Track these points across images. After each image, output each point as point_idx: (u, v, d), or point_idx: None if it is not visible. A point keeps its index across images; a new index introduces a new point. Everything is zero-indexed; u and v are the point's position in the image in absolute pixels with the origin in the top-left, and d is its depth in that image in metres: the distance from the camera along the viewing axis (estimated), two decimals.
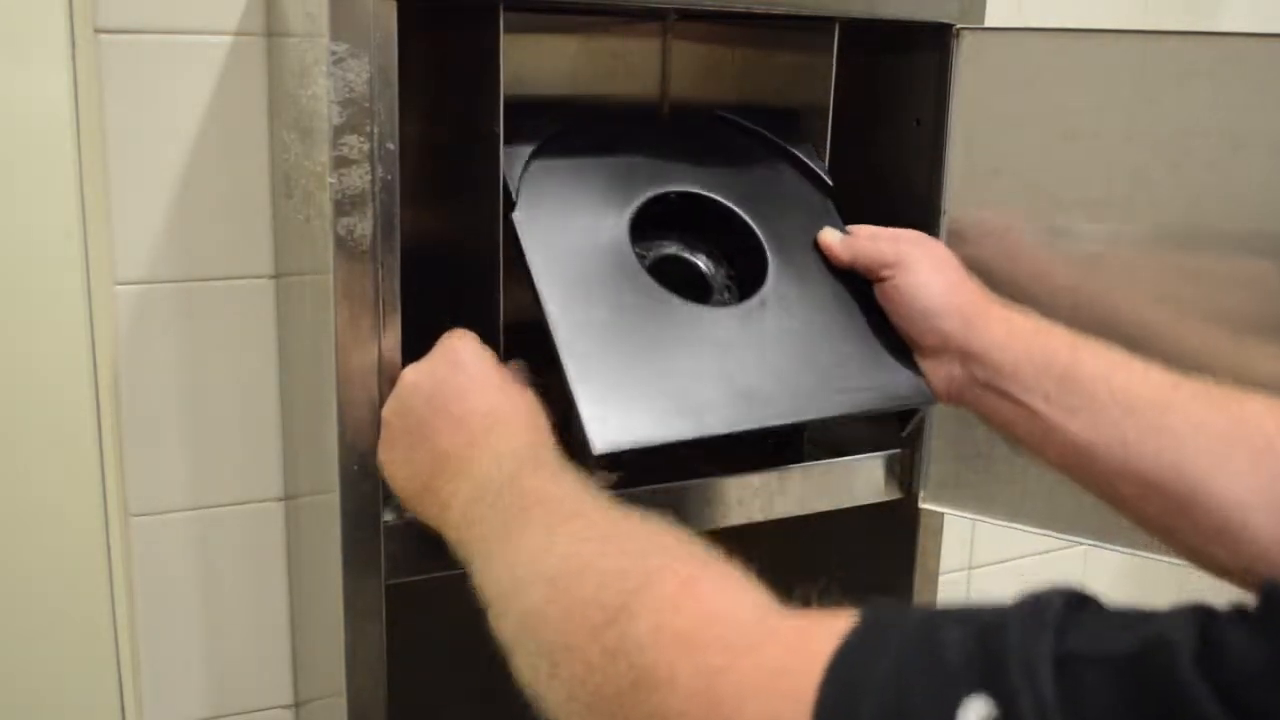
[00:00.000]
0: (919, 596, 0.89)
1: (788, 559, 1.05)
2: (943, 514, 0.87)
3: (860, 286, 0.76)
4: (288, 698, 0.96)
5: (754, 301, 0.74)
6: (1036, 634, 0.32)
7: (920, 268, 0.73)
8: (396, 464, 0.65)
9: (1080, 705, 0.29)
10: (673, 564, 0.46)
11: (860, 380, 0.72)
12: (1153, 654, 0.29)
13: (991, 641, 0.32)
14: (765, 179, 0.81)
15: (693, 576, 0.45)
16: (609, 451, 0.64)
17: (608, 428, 0.64)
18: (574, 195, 0.74)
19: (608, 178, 0.76)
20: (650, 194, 0.76)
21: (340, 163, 0.65)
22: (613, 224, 0.73)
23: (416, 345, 0.71)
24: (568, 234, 0.72)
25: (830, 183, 0.82)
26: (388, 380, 0.68)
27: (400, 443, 0.65)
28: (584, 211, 0.73)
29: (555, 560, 0.51)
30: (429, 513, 0.64)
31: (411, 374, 0.66)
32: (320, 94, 0.65)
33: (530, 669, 0.50)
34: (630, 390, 0.66)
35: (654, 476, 0.78)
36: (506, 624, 0.53)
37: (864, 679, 0.34)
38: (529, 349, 0.74)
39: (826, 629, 0.37)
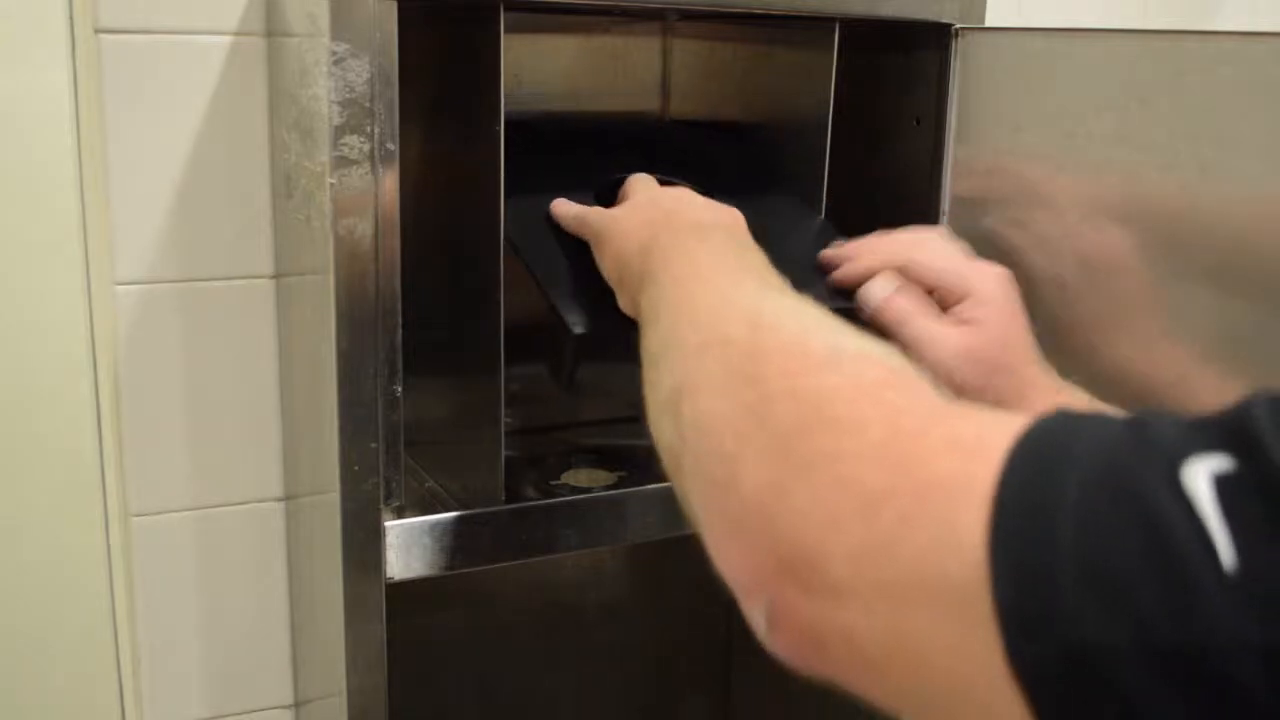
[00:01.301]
0: None
1: None
2: None
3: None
4: (288, 698, 0.96)
5: None
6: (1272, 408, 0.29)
7: (990, 310, 0.67)
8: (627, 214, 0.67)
9: None
10: (883, 359, 0.43)
11: None
12: None
13: (1209, 420, 0.30)
14: (757, 197, 0.81)
15: (896, 370, 0.42)
16: (585, 332, 0.69)
17: (581, 316, 0.70)
18: (554, 184, 0.76)
19: (589, 171, 0.77)
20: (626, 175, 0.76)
21: (340, 163, 0.65)
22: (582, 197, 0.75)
23: (416, 345, 0.71)
24: (540, 206, 0.75)
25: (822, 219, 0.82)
26: (388, 380, 0.68)
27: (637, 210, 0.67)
28: (561, 191, 0.75)
29: (766, 309, 0.48)
30: (636, 239, 0.63)
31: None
32: (320, 94, 0.65)
33: (695, 394, 0.45)
34: (597, 286, 0.69)
35: (654, 476, 0.79)
36: (680, 354, 0.49)
37: (1065, 443, 0.32)
38: (529, 349, 0.74)
39: (1023, 420, 0.34)
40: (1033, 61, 0.78)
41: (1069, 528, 0.30)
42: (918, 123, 0.84)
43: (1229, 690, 0.26)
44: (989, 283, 0.69)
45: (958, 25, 0.80)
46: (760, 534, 0.38)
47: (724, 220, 0.66)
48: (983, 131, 0.80)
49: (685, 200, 0.68)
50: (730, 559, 0.40)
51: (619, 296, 0.66)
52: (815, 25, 0.81)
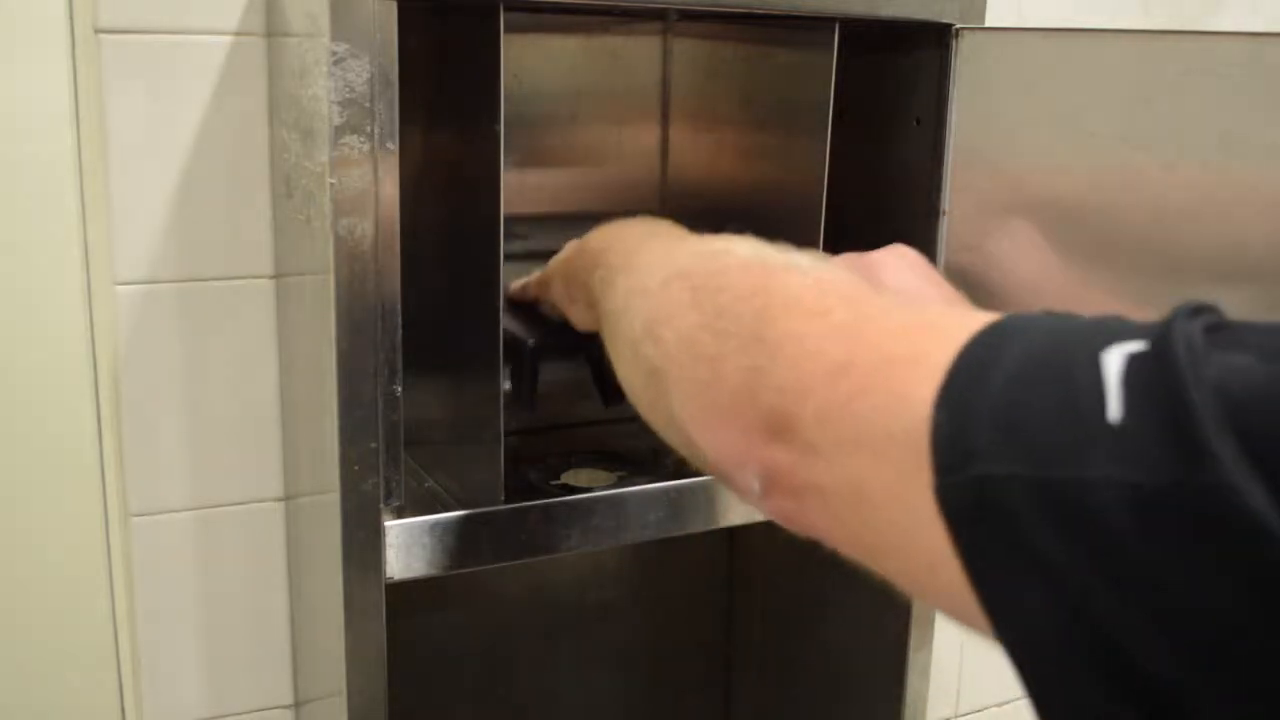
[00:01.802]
0: None
1: (788, 557, 1.05)
2: None
3: None
4: (288, 698, 0.96)
5: None
6: (1190, 318, 0.33)
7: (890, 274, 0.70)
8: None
9: (1231, 357, 0.30)
10: (840, 270, 0.49)
11: None
12: None
13: (1150, 322, 0.34)
14: None
15: (854, 280, 0.48)
16: (538, 344, 0.76)
17: (535, 332, 0.77)
18: None
19: None
20: None
21: (340, 163, 0.65)
22: None
23: (416, 345, 0.71)
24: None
25: None
26: (388, 380, 0.68)
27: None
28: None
29: (716, 244, 0.54)
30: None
31: None
32: (320, 94, 0.65)
33: (669, 319, 0.50)
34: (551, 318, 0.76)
35: (654, 476, 0.79)
36: (643, 297, 0.54)
37: (1024, 326, 0.37)
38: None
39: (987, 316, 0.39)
40: (1033, 61, 0.78)
41: (999, 384, 0.35)
42: (918, 123, 0.83)
43: (1098, 519, 0.30)
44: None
45: (958, 25, 0.80)
46: (748, 412, 0.43)
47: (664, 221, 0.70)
48: (983, 131, 0.80)
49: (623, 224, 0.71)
50: (723, 442, 0.45)
51: (571, 311, 0.70)
52: (815, 25, 0.81)
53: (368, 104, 0.65)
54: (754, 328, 0.45)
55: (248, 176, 0.85)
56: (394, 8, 0.64)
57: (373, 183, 0.66)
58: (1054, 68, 0.77)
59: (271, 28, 0.82)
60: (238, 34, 0.83)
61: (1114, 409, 0.31)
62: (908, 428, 0.36)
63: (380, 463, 0.69)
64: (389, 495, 0.69)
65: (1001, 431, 0.33)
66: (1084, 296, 0.77)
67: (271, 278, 0.87)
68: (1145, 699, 0.30)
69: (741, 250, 0.52)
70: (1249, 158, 0.69)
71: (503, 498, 0.74)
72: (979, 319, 0.38)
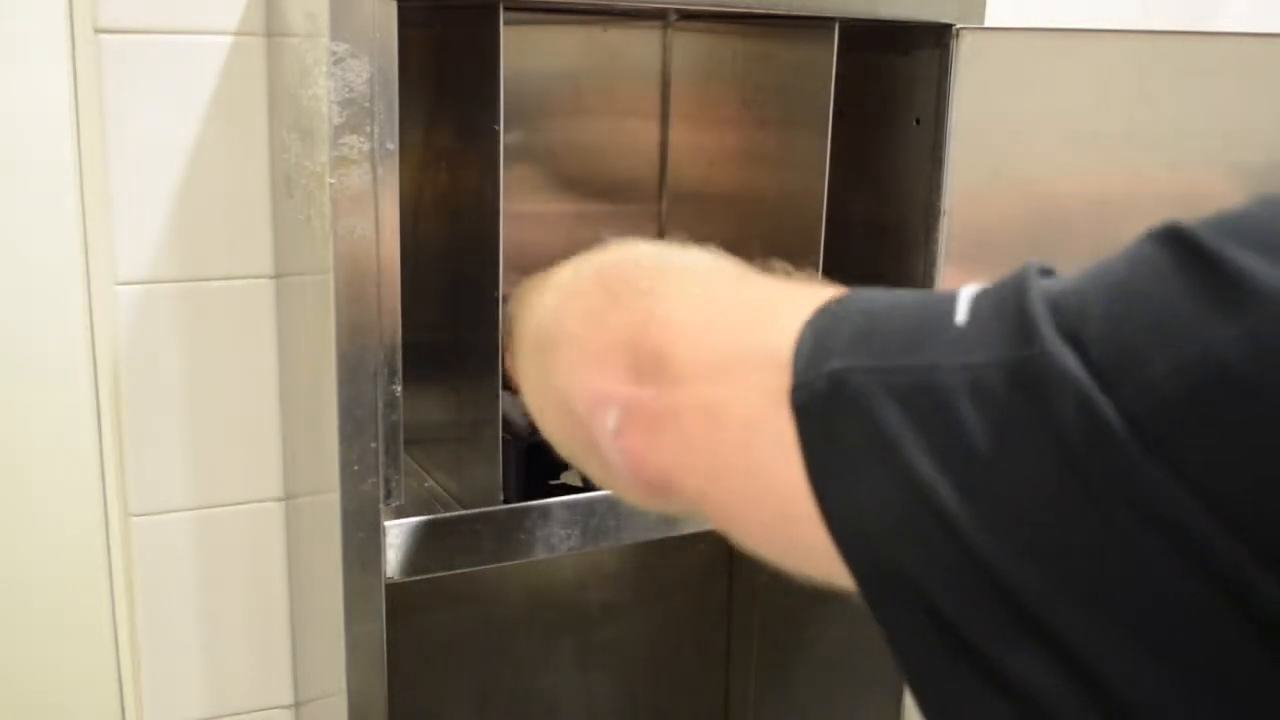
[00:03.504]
0: None
1: None
2: None
3: None
4: (288, 698, 0.96)
5: None
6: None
7: None
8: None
9: (1058, 280, 0.35)
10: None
11: None
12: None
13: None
14: None
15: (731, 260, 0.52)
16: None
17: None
18: None
19: None
20: None
21: (340, 163, 0.65)
22: None
23: (416, 345, 0.71)
24: None
25: None
26: (388, 380, 0.68)
27: None
28: None
29: (608, 253, 0.57)
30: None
31: None
32: (320, 94, 0.65)
33: (562, 299, 0.54)
34: None
35: None
36: (540, 302, 0.57)
37: (865, 292, 0.40)
38: None
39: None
40: (1033, 61, 0.78)
41: (861, 310, 0.39)
42: (918, 123, 0.83)
43: (938, 397, 0.33)
44: None
45: (958, 25, 0.80)
46: (622, 352, 0.46)
47: None
48: (983, 131, 0.80)
49: None
50: (590, 383, 0.48)
51: (512, 371, 0.69)
52: (815, 25, 0.81)
53: (368, 104, 0.65)
54: (645, 287, 0.48)
55: (248, 176, 0.85)
56: (394, 7, 0.64)
57: (372, 183, 0.66)
58: (1054, 68, 0.77)
59: (271, 28, 0.82)
60: (238, 34, 0.83)
61: (961, 316, 0.35)
62: (772, 349, 0.39)
63: (380, 463, 0.69)
64: (389, 495, 0.69)
65: (860, 337, 0.37)
66: None
67: (271, 278, 0.87)
68: (969, 573, 0.32)
69: (647, 247, 0.56)
70: (1249, 157, 0.69)
71: (503, 498, 0.74)
72: (841, 290, 0.41)
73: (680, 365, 0.43)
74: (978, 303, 0.35)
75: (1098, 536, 0.30)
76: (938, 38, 0.80)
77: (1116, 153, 0.75)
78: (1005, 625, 0.31)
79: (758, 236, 0.91)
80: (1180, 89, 0.71)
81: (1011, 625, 0.31)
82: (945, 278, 0.81)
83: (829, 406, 0.36)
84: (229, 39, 0.83)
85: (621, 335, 0.47)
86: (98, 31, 0.80)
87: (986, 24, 0.81)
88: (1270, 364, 0.28)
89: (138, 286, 0.84)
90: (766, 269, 0.59)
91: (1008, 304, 0.34)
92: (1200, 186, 0.73)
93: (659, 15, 0.94)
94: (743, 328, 0.43)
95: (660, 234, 1.02)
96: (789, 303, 0.41)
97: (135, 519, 0.88)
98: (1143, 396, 0.29)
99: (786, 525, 0.38)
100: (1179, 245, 0.31)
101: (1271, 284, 0.28)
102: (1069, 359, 0.31)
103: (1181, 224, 0.32)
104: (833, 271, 0.84)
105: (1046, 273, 0.36)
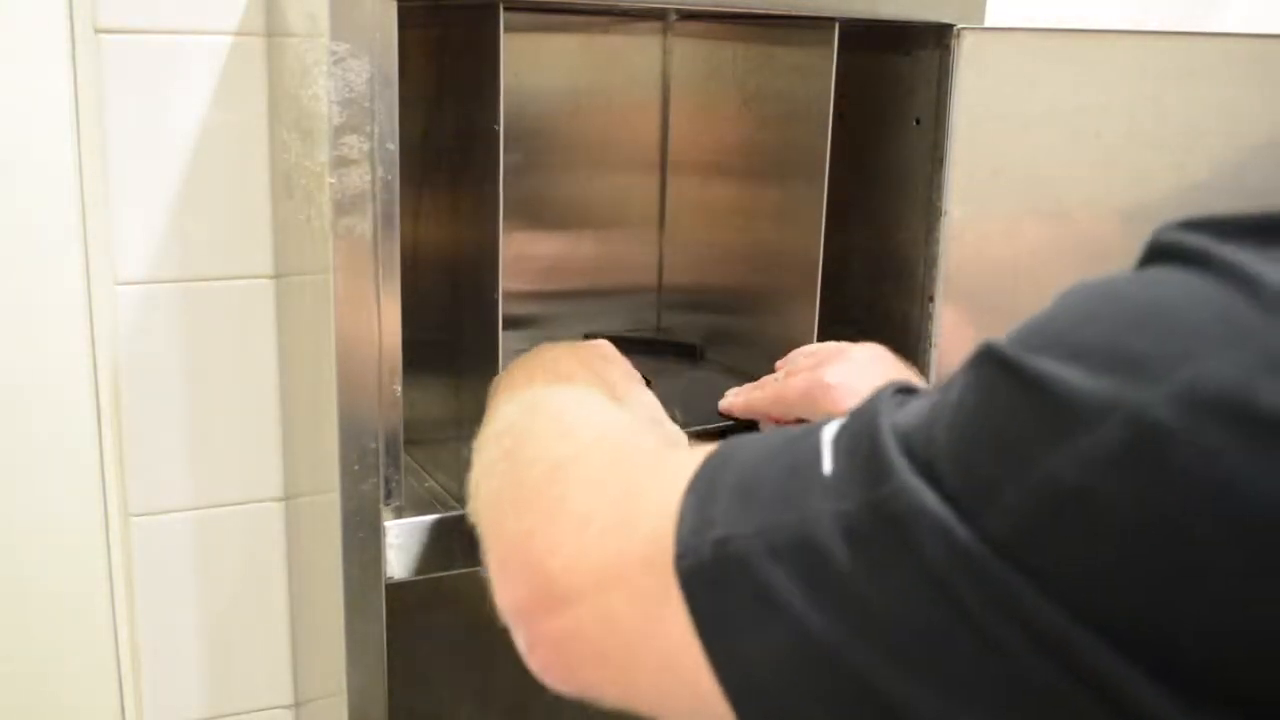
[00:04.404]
0: None
1: None
2: None
3: None
4: (288, 698, 0.96)
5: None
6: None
7: (841, 374, 0.71)
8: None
9: (910, 404, 0.37)
10: (618, 423, 0.57)
11: None
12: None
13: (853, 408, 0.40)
14: None
15: (627, 428, 0.56)
16: None
17: None
18: None
19: None
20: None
21: (340, 163, 0.65)
22: None
23: (416, 345, 0.71)
24: None
25: None
26: (388, 380, 0.68)
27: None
28: None
29: (539, 398, 0.61)
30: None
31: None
32: (320, 94, 0.65)
33: (482, 478, 0.57)
34: None
35: None
36: (479, 451, 0.60)
37: (747, 438, 0.42)
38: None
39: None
40: (1033, 61, 0.78)
41: (735, 472, 0.40)
42: (918, 123, 0.83)
43: (815, 548, 0.35)
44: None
45: (958, 25, 0.80)
46: (517, 570, 0.48)
47: (580, 347, 0.73)
48: (983, 131, 0.80)
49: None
50: (501, 596, 0.49)
51: None
52: (815, 25, 0.81)
53: (368, 104, 0.65)
54: (535, 492, 0.50)
55: (248, 176, 0.85)
56: (394, 7, 0.64)
57: (372, 183, 0.66)
58: (1054, 68, 0.77)
59: (271, 28, 0.82)
60: (238, 34, 0.83)
61: (826, 464, 0.37)
62: (651, 543, 0.40)
63: (380, 463, 0.69)
64: (389, 495, 0.69)
65: (738, 501, 0.38)
66: None
67: (271, 278, 0.87)
68: (864, 704, 0.34)
69: (555, 403, 0.59)
70: (1249, 157, 0.69)
71: None
72: (715, 447, 0.43)
73: (567, 587, 0.45)
74: (837, 444, 0.37)
75: (975, 650, 0.31)
76: (938, 38, 0.80)
77: (1117, 153, 0.75)
78: None
79: (757, 237, 0.91)
80: (1180, 89, 0.71)
81: None
82: (945, 277, 0.81)
83: (715, 572, 0.38)
84: (229, 39, 0.83)
85: (513, 547, 0.49)
86: (98, 31, 0.80)
87: (986, 24, 0.81)
88: (1101, 478, 0.30)
89: (138, 286, 0.84)
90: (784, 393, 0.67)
91: (861, 444, 0.36)
92: (1201, 187, 0.73)
93: (659, 16, 0.94)
94: (622, 530, 0.44)
95: (661, 233, 1.02)
96: (669, 482, 0.42)
97: (135, 519, 0.88)
98: (1000, 522, 0.31)
99: (687, 693, 0.39)
100: (997, 367, 0.33)
101: (1086, 397, 0.30)
102: (925, 493, 0.33)
103: (994, 344, 0.34)
104: (833, 273, 0.84)
105: (901, 387, 0.39)
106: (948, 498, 0.32)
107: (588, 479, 0.49)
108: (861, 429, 0.37)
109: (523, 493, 0.51)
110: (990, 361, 0.34)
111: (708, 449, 0.43)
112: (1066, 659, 0.30)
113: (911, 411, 0.36)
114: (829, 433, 0.38)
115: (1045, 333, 0.33)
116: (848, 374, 0.70)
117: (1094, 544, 0.30)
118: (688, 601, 0.38)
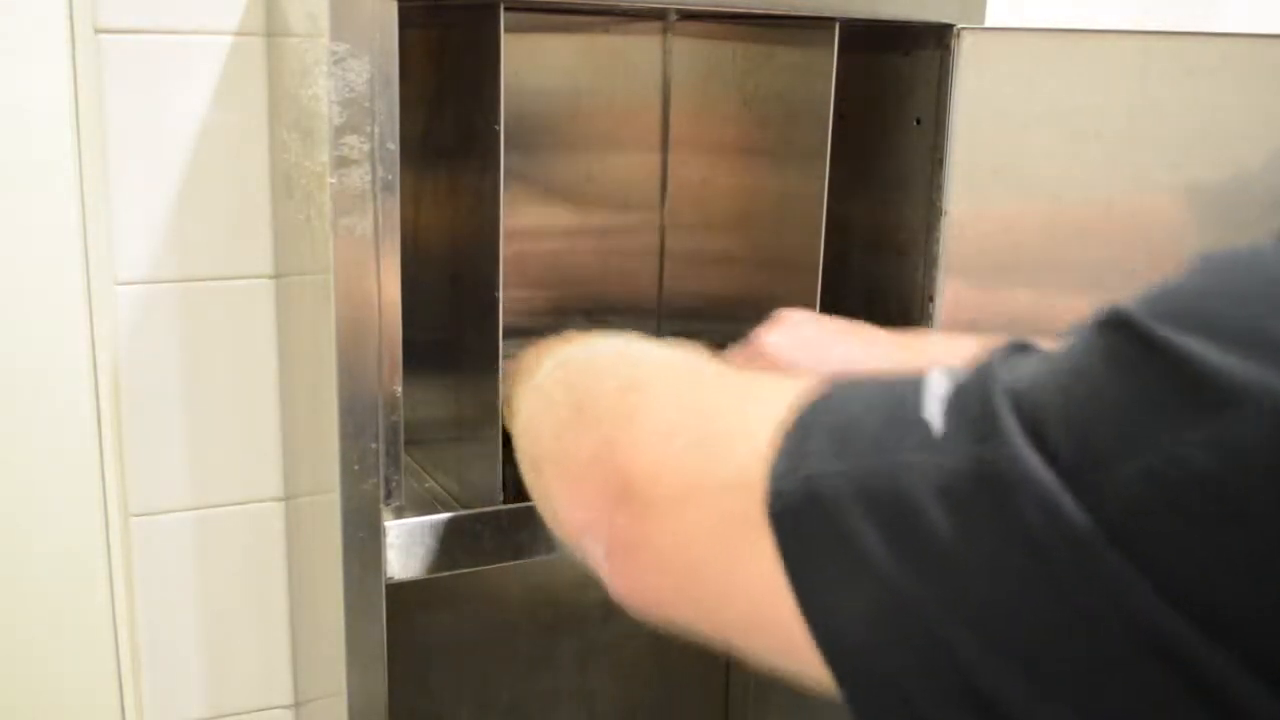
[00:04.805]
0: None
1: None
2: None
3: None
4: (288, 698, 0.96)
5: None
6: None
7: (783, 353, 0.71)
8: None
9: (1024, 363, 0.35)
10: (687, 354, 0.54)
11: None
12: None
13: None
14: None
15: (696, 358, 0.53)
16: None
17: None
18: None
19: None
20: None
21: (340, 163, 0.65)
22: None
23: (416, 345, 0.71)
24: None
25: None
26: (388, 380, 0.68)
27: None
28: None
29: (588, 347, 0.59)
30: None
31: None
32: (320, 94, 0.65)
33: (542, 415, 0.56)
34: None
35: None
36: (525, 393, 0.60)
37: (847, 382, 0.40)
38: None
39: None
40: (1033, 61, 0.78)
41: (832, 414, 0.38)
42: (918, 123, 0.83)
43: (907, 500, 0.33)
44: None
45: (958, 25, 0.80)
46: (598, 478, 0.47)
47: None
48: (983, 131, 0.80)
49: None
50: (573, 510, 0.49)
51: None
52: (815, 25, 0.81)
53: (368, 104, 0.65)
54: (608, 405, 0.49)
55: (248, 176, 0.85)
56: (394, 7, 0.64)
57: (372, 183, 0.66)
58: (1054, 68, 0.77)
59: (271, 28, 0.82)
60: (238, 34, 0.83)
61: (928, 411, 0.35)
62: (738, 468, 0.39)
63: (380, 463, 0.69)
64: (389, 495, 0.69)
65: (833, 442, 0.37)
66: (1086, 296, 0.77)
67: (271, 278, 0.87)
68: (948, 676, 0.32)
69: (610, 349, 0.58)
70: (1249, 157, 0.69)
71: (503, 498, 0.74)
72: (809, 384, 0.41)
73: (648, 493, 0.44)
74: (947, 402, 0.35)
75: (1069, 632, 0.30)
76: (938, 38, 0.80)
77: (1117, 153, 0.75)
78: None
79: (758, 237, 0.91)
80: (1180, 89, 0.71)
81: None
82: (945, 278, 0.81)
83: (805, 512, 0.36)
84: (229, 39, 0.83)
85: (590, 459, 0.48)
86: (98, 31, 0.80)
87: (986, 24, 0.81)
88: (1237, 466, 0.28)
89: (138, 286, 0.84)
90: (731, 360, 0.62)
91: (972, 400, 0.34)
92: (1202, 187, 0.73)
93: (659, 15, 0.94)
94: (707, 448, 0.43)
95: (661, 235, 1.02)
96: (753, 410, 0.41)
97: (135, 519, 0.88)
98: (1112, 501, 0.29)
99: (776, 633, 0.38)
100: (1123, 334, 0.31)
101: (1224, 378, 0.28)
102: (1032, 459, 0.31)
103: (1123, 308, 0.32)
104: (833, 273, 0.84)
105: (1019, 348, 0.37)
106: (1056, 467, 0.30)
107: (667, 394, 0.48)
108: (972, 385, 0.35)
109: (596, 410, 0.50)
110: (1117, 326, 0.32)
111: (794, 381, 0.41)
112: (1173, 660, 0.28)
113: (1024, 371, 0.34)
114: (936, 382, 0.36)
115: (1183, 303, 0.31)
116: (782, 336, 0.69)
117: (1216, 534, 0.28)
118: (778, 542, 0.37)
